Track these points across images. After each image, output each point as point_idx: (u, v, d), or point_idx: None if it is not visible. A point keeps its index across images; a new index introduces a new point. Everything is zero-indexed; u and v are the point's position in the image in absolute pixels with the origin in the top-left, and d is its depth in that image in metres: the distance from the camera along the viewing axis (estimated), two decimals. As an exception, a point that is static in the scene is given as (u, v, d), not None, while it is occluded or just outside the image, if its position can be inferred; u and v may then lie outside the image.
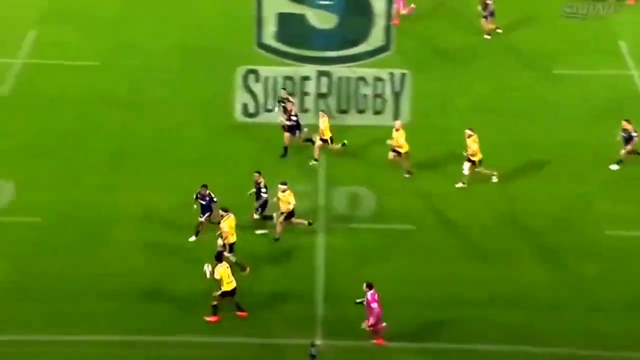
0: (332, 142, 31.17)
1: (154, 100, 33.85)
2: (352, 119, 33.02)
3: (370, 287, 24.49)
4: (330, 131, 31.00)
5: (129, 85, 34.68)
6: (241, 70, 34.13)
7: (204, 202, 27.47)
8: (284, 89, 32.11)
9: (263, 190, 28.31)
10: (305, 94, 33.81)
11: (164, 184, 29.77)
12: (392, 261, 27.52)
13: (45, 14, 37.86)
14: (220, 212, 26.87)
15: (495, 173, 30.48)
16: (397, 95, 33.19)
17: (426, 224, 28.94)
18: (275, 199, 28.08)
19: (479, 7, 38.26)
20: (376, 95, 33.31)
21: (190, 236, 27.64)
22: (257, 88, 34.07)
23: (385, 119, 32.38)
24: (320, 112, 31.43)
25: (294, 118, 31.43)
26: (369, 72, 33.45)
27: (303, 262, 27.46)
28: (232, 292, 25.22)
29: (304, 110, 33.16)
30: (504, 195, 30.05)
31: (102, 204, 28.84)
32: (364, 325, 24.42)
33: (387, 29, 34.14)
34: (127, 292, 25.87)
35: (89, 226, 28.04)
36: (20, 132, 31.68)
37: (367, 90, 33.54)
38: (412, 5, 38.96)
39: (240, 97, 33.64)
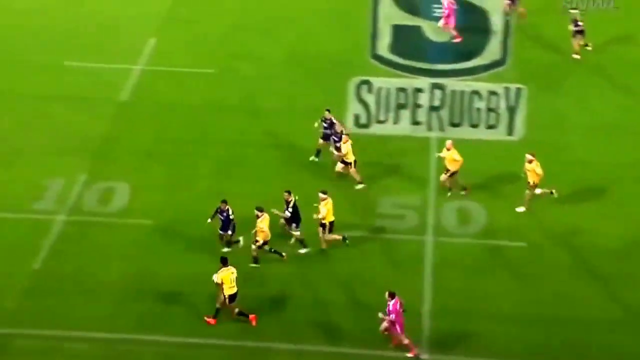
0: (355, 166, 30.27)
1: (267, 109, 34.16)
2: (465, 133, 32.50)
3: (392, 296, 24.21)
4: (354, 154, 30.20)
5: (243, 93, 35.05)
6: (355, 80, 34.06)
7: (222, 217, 27.45)
8: (327, 110, 31.56)
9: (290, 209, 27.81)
10: (418, 106, 33.44)
11: (275, 192, 29.60)
12: (499, 277, 27.05)
13: (165, 22, 38.70)
14: (256, 212, 26.95)
15: (553, 190, 29.55)
16: (511, 110, 32.55)
17: (536, 241, 28.33)
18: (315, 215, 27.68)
19: (571, 26, 37.10)
20: (490, 110, 32.70)
21: (227, 247, 27.49)
22: (370, 99, 33.89)
23: (498, 134, 31.83)
24: (344, 136, 30.54)
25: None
26: (483, 86, 32.82)
27: (411, 276, 27.21)
28: (233, 297, 25.20)
29: (416, 123, 32.85)
30: (621, 215, 29.16)
31: (213, 209, 29.06)
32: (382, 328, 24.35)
33: (504, 43, 33.71)
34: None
35: (199, 230, 28.19)
36: (137, 137, 32.36)
37: (480, 105, 32.95)
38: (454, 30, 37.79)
39: (353, 108, 33.58)
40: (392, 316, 24.13)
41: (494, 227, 28.93)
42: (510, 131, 31.92)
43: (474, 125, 32.93)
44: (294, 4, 40.17)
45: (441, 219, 29.35)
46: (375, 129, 32.95)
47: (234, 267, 25.18)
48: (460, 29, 37.38)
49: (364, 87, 34.48)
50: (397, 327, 24.27)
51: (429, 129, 32.62)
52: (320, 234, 27.82)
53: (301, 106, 34.29)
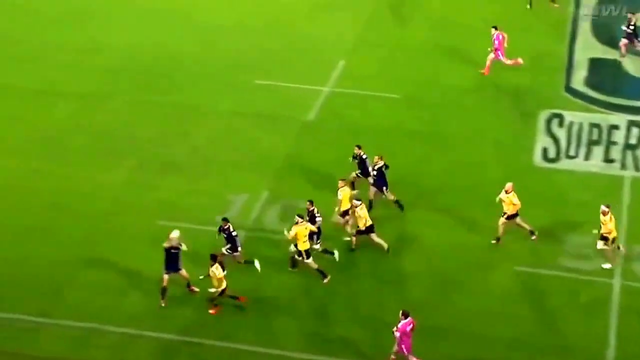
0: (345, 214, 28.56)
1: (451, 136, 33.56)
2: (664, 175, 31.00)
3: (405, 316, 24.13)
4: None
5: (427, 120, 34.57)
6: (545, 113, 33.12)
7: (225, 235, 27.27)
8: (358, 146, 30.25)
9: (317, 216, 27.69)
10: (613, 143, 32.22)
11: (454, 220, 29.34)
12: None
13: (355, 45, 38.76)
14: (297, 218, 26.99)
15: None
16: None
17: None
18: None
19: None
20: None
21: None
22: (561, 133, 32.90)
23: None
24: (340, 182, 28.83)
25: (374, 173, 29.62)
26: (687, 126, 31.57)
27: (595, 319, 26.20)
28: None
29: (609, 160, 31.53)
30: None
31: (389, 234, 28.69)
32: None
33: None
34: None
35: (376, 254, 28.03)
36: (319, 157, 32.36)
37: (682, 146, 31.44)
38: (520, 60, 35.68)
39: (542, 141, 32.60)
40: (398, 334, 24.14)
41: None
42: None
43: (674, 167, 31.29)
44: (487, 32, 39.35)
45: (631, 262, 27.91)
46: (564, 164, 31.89)
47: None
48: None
49: (555, 121, 33.51)
50: (403, 347, 24.21)
51: (623, 167, 31.23)
52: None
53: (488, 135, 33.47)
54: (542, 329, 25.85)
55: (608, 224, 27.33)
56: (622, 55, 36.25)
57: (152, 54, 37.95)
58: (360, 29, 39.97)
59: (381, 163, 29.49)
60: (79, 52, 37.94)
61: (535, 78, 36.08)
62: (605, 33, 37.34)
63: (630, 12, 36.14)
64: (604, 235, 27.46)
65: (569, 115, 33.44)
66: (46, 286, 27.08)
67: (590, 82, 35.35)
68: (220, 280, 25.86)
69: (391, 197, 29.58)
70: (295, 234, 26.94)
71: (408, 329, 24.30)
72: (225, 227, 27.35)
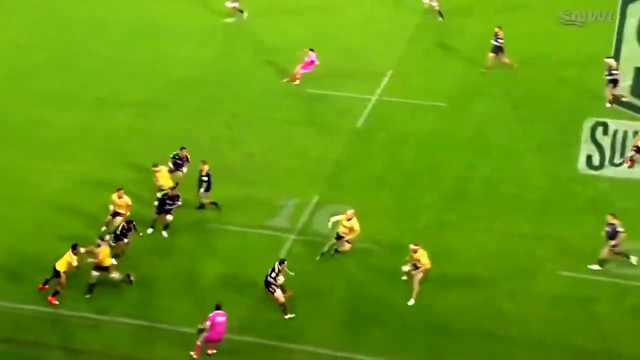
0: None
1: (497, 145, 34.11)
2: None
3: (218, 308, 24.49)
4: None
5: (473, 128, 35.16)
6: (590, 121, 33.43)
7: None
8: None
9: None
10: (657, 151, 32.40)
11: (499, 227, 29.79)
12: None
13: (403, 55, 39.46)
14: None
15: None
16: None
17: None
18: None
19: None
20: None
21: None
22: (605, 141, 33.16)
23: None
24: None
25: None
26: None
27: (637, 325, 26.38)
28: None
29: (645, 167, 31.85)
30: None
31: (435, 241, 29.07)
32: None
33: None
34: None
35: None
36: (368, 163, 33.15)
37: None
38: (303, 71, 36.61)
39: (586, 148, 32.90)
40: (208, 323, 24.46)
41: None
42: None
43: None
44: (536, 45, 39.95)
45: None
46: (609, 172, 32.14)
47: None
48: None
49: (600, 129, 33.78)
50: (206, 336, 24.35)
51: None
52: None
53: (533, 144, 33.96)
54: (587, 335, 26.01)
55: None
56: (486, 68, 37.24)
57: (210, 66, 39.08)
58: (408, 39, 40.70)
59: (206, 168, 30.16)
60: (142, 64, 39.19)
61: (581, 87, 36.57)
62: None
63: (498, 27, 36.97)
64: None
65: (613, 124, 33.71)
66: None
67: (635, 91, 35.56)
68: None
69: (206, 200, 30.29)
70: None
71: (218, 319, 24.50)
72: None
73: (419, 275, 26.90)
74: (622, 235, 27.44)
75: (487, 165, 33.05)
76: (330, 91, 37.06)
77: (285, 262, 26.56)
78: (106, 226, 29.06)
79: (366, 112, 36.02)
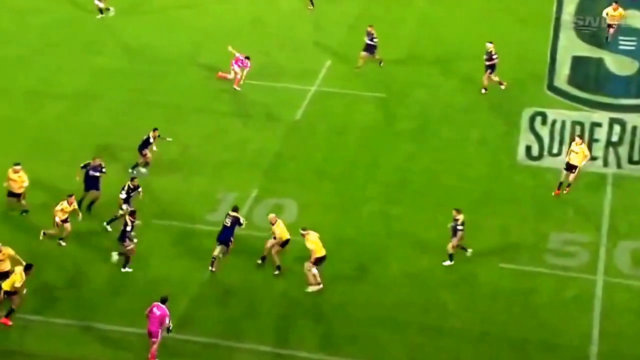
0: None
1: (437, 136, 34.01)
2: (645, 172, 31.42)
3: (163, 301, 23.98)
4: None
5: (414, 119, 35.00)
6: (528, 111, 33.41)
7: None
8: None
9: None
10: (595, 140, 32.43)
11: (439, 220, 29.47)
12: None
13: (341, 45, 39.10)
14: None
15: None
16: (699, 152, 31.19)
17: None
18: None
19: None
20: (676, 150, 31.50)
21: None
22: (544, 131, 33.22)
23: (683, 175, 30.61)
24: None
25: None
26: (668, 124, 31.86)
27: (579, 315, 26.45)
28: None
29: (592, 158, 31.93)
30: None
31: (377, 232, 29.14)
32: None
33: (698, 78, 32.23)
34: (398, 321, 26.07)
35: (364, 253, 28.39)
36: (308, 156, 32.78)
37: (665, 143, 31.79)
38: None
39: (525, 139, 32.94)
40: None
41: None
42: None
43: (656, 165, 31.69)
44: (470, 34, 39.84)
45: (614, 258, 28.33)
46: (548, 162, 32.17)
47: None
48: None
49: (538, 119, 33.76)
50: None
51: (606, 164, 31.57)
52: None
53: (473, 135, 33.98)
54: (527, 326, 26.01)
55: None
56: (358, 67, 37.06)
57: (145, 55, 38.35)
58: (347, 29, 40.38)
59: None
60: (75, 52, 38.25)
61: (519, 77, 36.67)
62: (588, 31, 37.59)
63: (370, 25, 36.76)
64: None
65: (552, 114, 33.78)
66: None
67: (573, 80, 35.63)
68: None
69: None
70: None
71: (153, 310, 24.00)
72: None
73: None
74: (460, 234, 27.59)
75: (428, 156, 32.96)
76: (268, 82, 36.58)
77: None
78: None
79: (305, 103, 35.68)
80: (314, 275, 26.78)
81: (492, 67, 35.95)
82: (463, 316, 26.24)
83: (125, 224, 27.15)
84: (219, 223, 27.94)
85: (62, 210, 27.88)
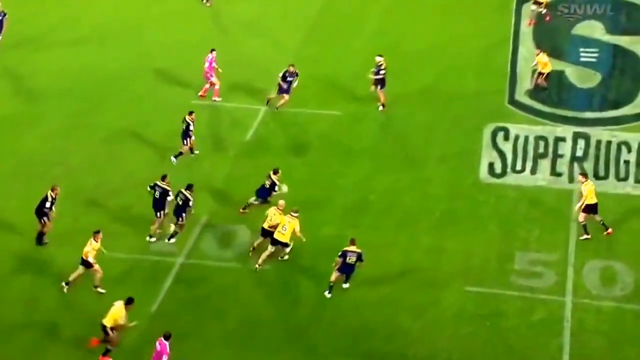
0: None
1: (396, 154, 32.73)
2: (610, 187, 30.53)
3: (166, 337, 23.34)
4: None
5: (369, 136, 33.73)
6: (490, 127, 32.56)
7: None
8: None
9: None
10: (559, 156, 31.82)
11: (402, 241, 28.60)
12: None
13: (293, 62, 37.69)
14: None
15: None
16: (664, 164, 30.56)
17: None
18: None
19: None
20: (640, 163, 30.80)
21: None
22: (506, 147, 32.39)
23: (649, 190, 29.88)
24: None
25: None
26: (632, 137, 31.10)
27: (548, 338, 25.57)
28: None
29: (556, 174, 31.15)
30: None
31: (334, 256, 27.39)
32: None
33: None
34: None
35: (322, 279, 27.11)
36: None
37: (629, 157, 31.05)
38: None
39: (488, 155, 32.00)
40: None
41: (641, 290, 26.84)
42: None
43: (622, 179, 30.91)
44: (429, 45, 38.78)
45: (582, 278, 27.36)
46: (511, 179, 31.36)
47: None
48: (607, 74, 35.34)
49: (500, 134, 32.99)
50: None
51: (571, 181, 30.76)
52: None
53: (433, 152, 32.71)
54: (495, 351, 25.21)
55: None
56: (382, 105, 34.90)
57: (84, 75, 36.84)
58: (299, 46, 39.12)
59: None
60: (9, 74, 36.75)
61: (479, 91, 35.43)
62: (548, 43, 37.01)
63: (379, 55, 34.57)
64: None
65: (514, 129, 32.96)
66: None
67: (534, 94, 34.97)
68: None
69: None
70: None
71: (156, 345, 23.33)
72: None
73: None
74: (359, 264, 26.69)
75: (387, 175, 31.72)
76: (219, 102, 35.25)
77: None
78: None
79: (256, 123, 34.33)
80: None
81: (381, 82, 34.12)
82: (428, 343, 25.31)
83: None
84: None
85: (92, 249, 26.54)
